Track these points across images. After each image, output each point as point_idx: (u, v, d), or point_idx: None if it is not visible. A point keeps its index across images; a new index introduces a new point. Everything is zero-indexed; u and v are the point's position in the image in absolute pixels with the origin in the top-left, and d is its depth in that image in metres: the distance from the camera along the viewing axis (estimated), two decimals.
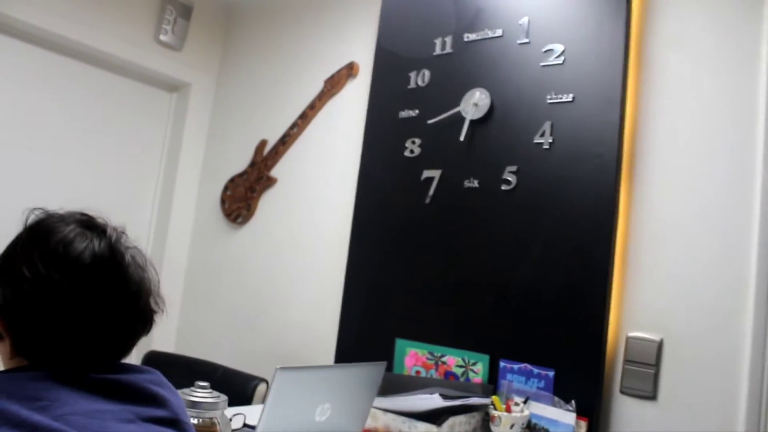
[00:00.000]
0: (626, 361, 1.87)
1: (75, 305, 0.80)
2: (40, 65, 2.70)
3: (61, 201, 0.96)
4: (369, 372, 1.71)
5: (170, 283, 3.05)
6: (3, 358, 0.85)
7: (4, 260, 0.84)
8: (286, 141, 2.88)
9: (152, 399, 0.82)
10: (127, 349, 0.87)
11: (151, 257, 0.91)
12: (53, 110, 2.74)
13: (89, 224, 0.86)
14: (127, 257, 0.85)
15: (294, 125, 2.87)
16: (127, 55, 2.89)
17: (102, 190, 2.92)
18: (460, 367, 2.09)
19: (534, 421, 1.85)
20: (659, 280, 1.87)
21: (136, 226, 2.94)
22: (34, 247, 0.81)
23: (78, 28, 2.70)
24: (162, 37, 2.99)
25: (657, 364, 1.82)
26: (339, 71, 2.75)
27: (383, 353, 2.22)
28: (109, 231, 0.86)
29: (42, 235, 0.83)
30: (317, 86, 2.82)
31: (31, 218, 0.87)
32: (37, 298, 0.79)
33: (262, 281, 2.85)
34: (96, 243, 0.83)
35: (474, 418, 1.86)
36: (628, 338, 1.87)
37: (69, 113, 2.79)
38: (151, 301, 0.88)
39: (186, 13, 3.07)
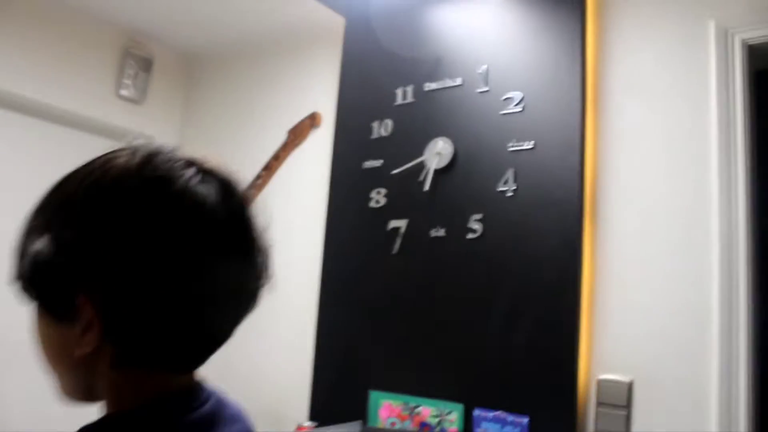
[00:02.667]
0: (599, 403, 1.88)
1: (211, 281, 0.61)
2: None
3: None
4: None
5: None
6: (76, 373, 0.62)
7: (91, 214, 0.60)
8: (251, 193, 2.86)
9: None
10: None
11: None
12: (11, 168, 2.68)
13: (206, 169, 0.64)
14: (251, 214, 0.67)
15: (258, 177, 2.85)
16: (87, 111, 2.86)
17: None
18: (435, 417, 2.08)
19: None
20: (626, 321, 1.90)
21: None
22: (148, 196, 0.60)
23: (36, 86, 2.67)
24: (123, 92, 2.97)
25: (628, 406, 1.84)
26: (302, 121, 2.75)
27: (357, 406, 2.20)
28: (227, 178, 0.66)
29: (157, 180, 0.61)
30: (281, 136, 2.82)
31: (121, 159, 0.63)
32: (169, 269, 0.58)
33: None
34: (220, 193, 0.64)
35: None
36: (599, 381, 1.89)
37: (28, 171, 2.73)
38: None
39: (146, 66, 3.06)
